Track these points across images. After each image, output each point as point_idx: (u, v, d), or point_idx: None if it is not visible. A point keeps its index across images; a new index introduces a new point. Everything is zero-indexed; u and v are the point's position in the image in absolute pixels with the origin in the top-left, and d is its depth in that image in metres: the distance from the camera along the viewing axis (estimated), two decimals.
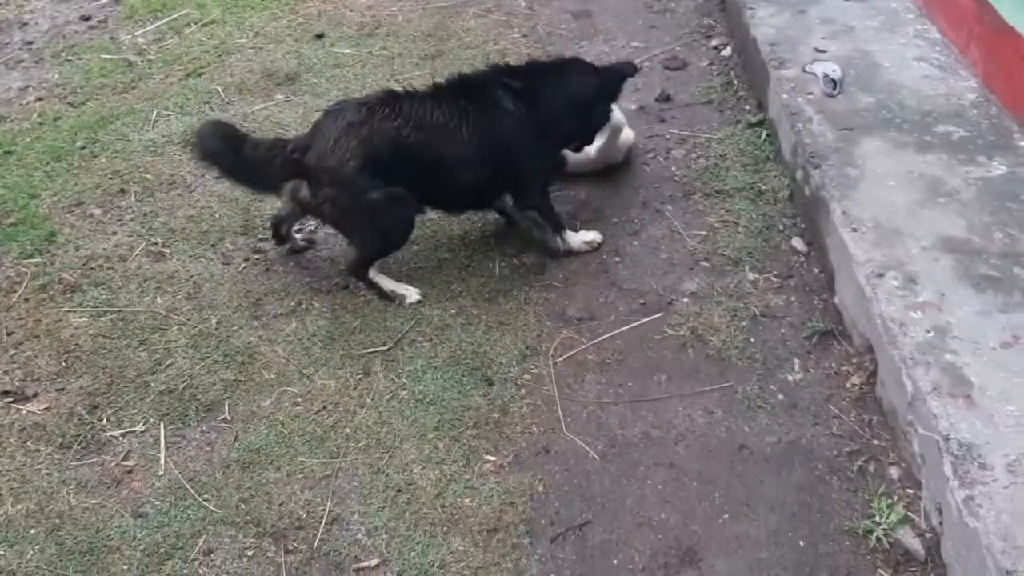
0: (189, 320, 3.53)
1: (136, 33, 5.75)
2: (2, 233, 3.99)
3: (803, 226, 3.85)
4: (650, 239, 3.90)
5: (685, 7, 5.71)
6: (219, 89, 5.05)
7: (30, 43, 5.74)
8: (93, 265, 3.80)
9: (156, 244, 3.92)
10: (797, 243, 3.81)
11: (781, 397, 3.16)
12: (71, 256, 3.85)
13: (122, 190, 4.24)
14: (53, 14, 6.12)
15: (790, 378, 3.22)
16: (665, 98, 4.85)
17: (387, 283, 3.60)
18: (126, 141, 4.62)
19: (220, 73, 5.21)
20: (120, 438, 3.10)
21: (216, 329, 3.48)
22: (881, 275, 3.21)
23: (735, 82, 4.89)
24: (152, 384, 3.27)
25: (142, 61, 5.41)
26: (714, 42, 5.31)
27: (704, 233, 3.90)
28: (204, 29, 5.74)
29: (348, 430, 3.10)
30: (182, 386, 3.26)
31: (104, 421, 3.15)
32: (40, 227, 4.01)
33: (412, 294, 3.60)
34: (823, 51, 4.52)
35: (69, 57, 5.52)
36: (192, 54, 5.43)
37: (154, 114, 4.84)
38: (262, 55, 5.36)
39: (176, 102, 4.94)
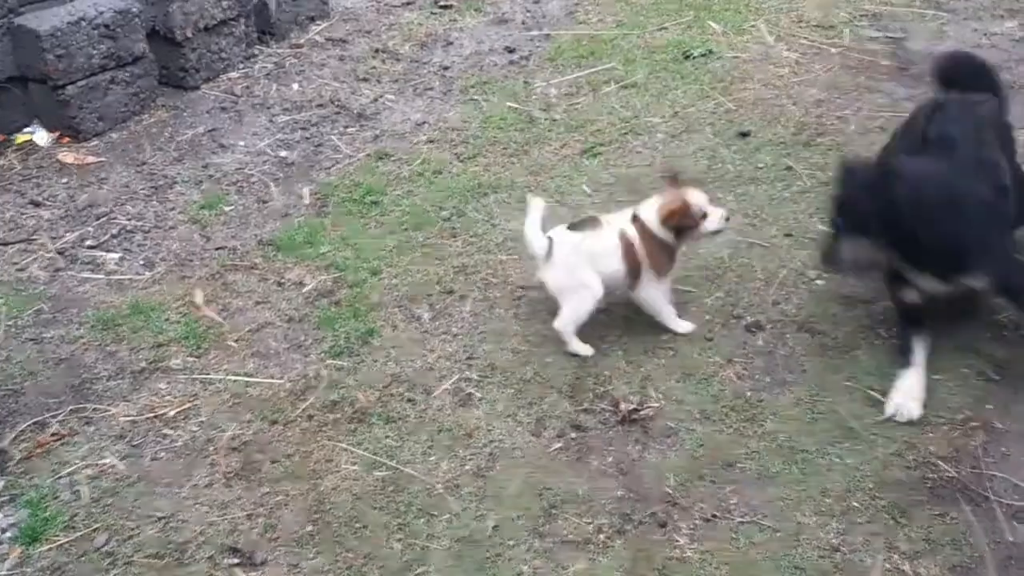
0: (464, 511, 2.84)
1: (551, 81, 5.21)
2: (337, 312, 3.58)
3: None
4: None
5: None
6: (605, 180, 4.31)
7: (446, 68, 5.44)
8: (395, 390, 3.26)
9: (470, 381, 3.29)
10: None
11: None
12: (378, 369, 3.34)
13: (462, 296, 3.66)
14: (480, 37, 5.79)
15: None
16: None
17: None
18: (489, 224, 4.06)
19: (617, 158, 4.47)
20: None
21: (488, 538, 2.75)
22: None
23: None
24: None
25: (545, 119, 4.84)
26: None
27: None
28: (622, 92, 5.04)
29: None
30: None
31: None
32: (363, 318, 3.56)
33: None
34: None
35: (475, 96, 5.11)
36: (598, 124, 4.75)
37: (528, 196, 4.21)
38: (671, 145, 4.53)
39: (557, 186, 4.29)
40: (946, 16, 5.71)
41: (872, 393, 3.16)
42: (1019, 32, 5.53)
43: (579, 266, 3.30)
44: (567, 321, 3.33)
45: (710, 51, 5.36)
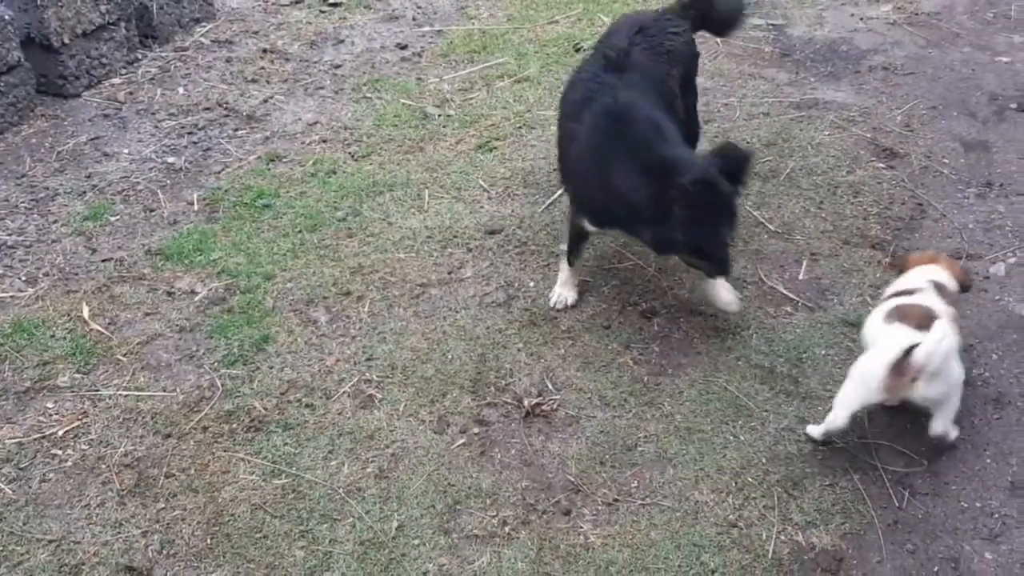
0: (367, 514, 2.82)
1: (445, 77, 5.19)
2: (230, 319, 3.50)
3: None
4: (1016, 555, 2.67)
5: None
6: (502, 174, 4.32)
7: (338, 67, 5.36)
8: (292, 396, 3.21)
9: (370, 382, 3.26)
10: None
11: None
12: (274, 376, 3.29)
13: (359, 297, 3.62)
14: (371, 35, 5.73)
15: None
16: None
17: None
18: (386, 223, 4.02)
19: (512, 152, 4.49)
20: None
21: (393, 539, 2.74)
22: None
23: None
24: None
25: (439, 115, 4.82)
26: None
27: None
28: (515, 87, 5.06)
29: None
30: None
31: None
32: (257, 325, 3.49)
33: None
34: None
35: (368, 94, 5.06)
36: (492, 118, 4.76)
37: (426, 193, 4.20)
38: None
39: (454, 182, 4.28)
40: (824, 2, 5.91)
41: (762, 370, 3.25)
42: (894, 16, 5.75)
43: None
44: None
45: None
